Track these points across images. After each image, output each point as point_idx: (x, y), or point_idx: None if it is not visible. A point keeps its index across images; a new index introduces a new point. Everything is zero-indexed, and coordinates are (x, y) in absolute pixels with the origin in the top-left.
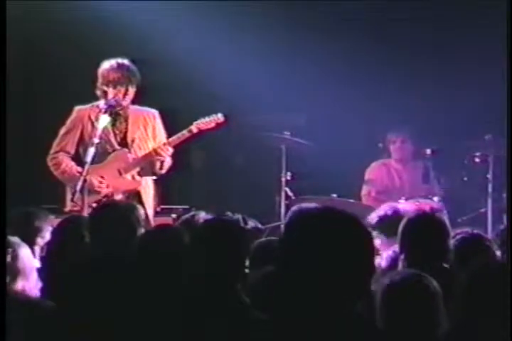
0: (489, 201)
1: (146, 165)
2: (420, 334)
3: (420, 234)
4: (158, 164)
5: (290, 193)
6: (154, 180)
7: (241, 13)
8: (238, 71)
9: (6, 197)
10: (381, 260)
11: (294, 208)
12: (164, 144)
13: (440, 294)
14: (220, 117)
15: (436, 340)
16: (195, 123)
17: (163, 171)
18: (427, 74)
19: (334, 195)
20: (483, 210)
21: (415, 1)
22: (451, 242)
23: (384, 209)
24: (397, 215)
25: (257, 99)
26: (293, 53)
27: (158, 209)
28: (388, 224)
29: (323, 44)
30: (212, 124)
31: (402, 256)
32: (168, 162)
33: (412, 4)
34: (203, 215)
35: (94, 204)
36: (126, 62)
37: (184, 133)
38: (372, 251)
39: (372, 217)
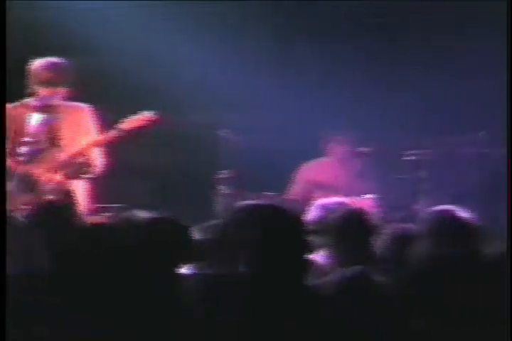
0: (422, 198)
1: (79, 164)
2: (370, 331)
3: (344, 232)
4: (89, 166)
5: (228, 191)
6: (89, 178)
7: (181, 13)
8: (177, 69)
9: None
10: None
11: (234, 205)
12: (88, 146)
13: (386, 288)
14: (149, 115)
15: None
16: (123, 121)
17: (96, 172)
18: (363, 74)
19: (271, 193)
20: (416, 207)
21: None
22: (385, 238)
23: (318, 208)
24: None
25: (198, 96)
26: (233, 51)
27: (93, 208)
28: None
29: (267, 42)
30: (142, 122)
31: (330, 255)
32: (98, 163)
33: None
34: (142, 214)
35: (27, 204)
36: (59, 60)
37: (112, 132)
38: (307, 246)
39: (309, 220)
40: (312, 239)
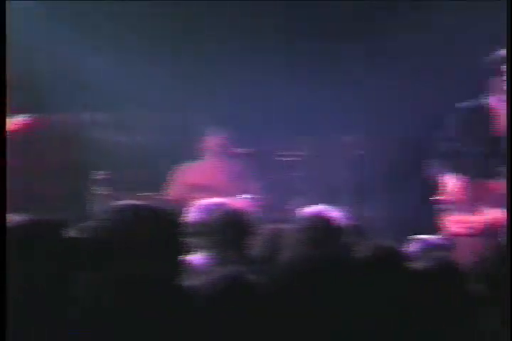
0: (299, 198)
1: None
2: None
3: (222, 232)
4: None
5: (104, 191)
6: None
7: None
8: (59, 68)
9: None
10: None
11: (111, 205)
12: None
13: (260, 286)
14: (23, 119)
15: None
16: None
17: None
18: (242, 74)
19: (149, 193)
20: (293, 207)
21: None
22: (262, 238)
23: (196, 210)
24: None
25: (75, 96)
26: (117, 50)
27: None
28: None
29: (154, 42)
30: (14, 126)
31: (208, 255)
32: None
33: None
34: (15, 217)
35: None
36: None
37: None
38: (183, 247)
39: (190, 221)
40: (191, 239)
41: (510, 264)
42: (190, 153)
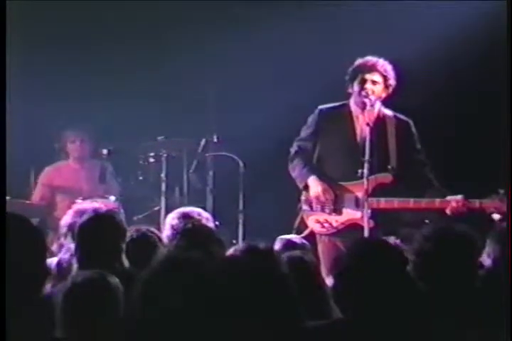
0: (162, 199)
1: None
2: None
3: (93, 234)
4: None
5: None
6: None
7: None
8: None
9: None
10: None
11: None
12: None
13: (121, 290)
14: None
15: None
16: None
17: None
18: (108, 73)
19: (16, 199)
20: (157, 208)
21: None
22: (131, 240)
23: (71, 215)
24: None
25: None
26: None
27: None
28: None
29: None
30: None
31: (76, 258)
32: None
33: None
34: None
35: None
36: None
37: None
38: (44, 252)
39: (63, 225)
40: (65, 242)
41: (510, 264)
42: (52, 155)
